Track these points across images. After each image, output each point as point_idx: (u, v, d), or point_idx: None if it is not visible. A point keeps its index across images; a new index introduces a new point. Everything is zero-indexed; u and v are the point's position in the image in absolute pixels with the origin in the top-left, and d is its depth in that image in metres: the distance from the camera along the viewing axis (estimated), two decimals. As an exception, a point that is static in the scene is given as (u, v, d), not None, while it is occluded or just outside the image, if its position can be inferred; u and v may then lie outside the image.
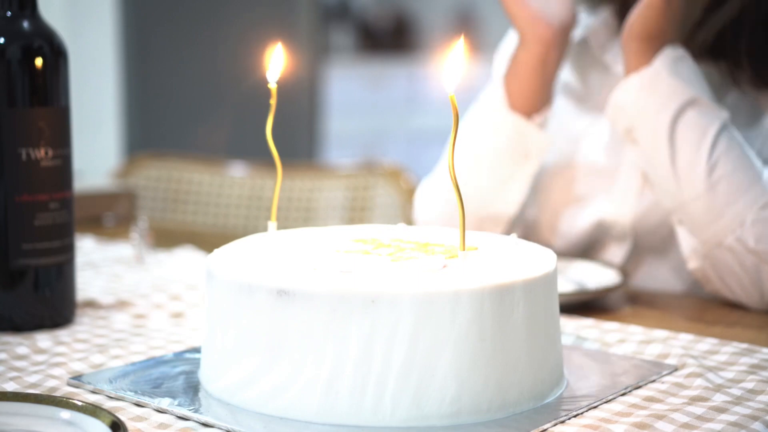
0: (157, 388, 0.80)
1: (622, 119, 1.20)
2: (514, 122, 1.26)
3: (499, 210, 1.29)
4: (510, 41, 1.40)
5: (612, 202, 1.27)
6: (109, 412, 0.68)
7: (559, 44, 1.25)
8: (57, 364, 0.85)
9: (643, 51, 1.19)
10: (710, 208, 1.14)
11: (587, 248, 1.31)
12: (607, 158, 1.30)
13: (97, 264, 1.28)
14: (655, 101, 1.17)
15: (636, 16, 1.18)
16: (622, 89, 1.20)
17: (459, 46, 0.75)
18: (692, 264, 1.17)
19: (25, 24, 0.96)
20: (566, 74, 1.35)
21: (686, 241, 1.18)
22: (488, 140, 1.28)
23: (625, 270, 1.18)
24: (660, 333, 0.96)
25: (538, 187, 1.34)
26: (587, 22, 1.34)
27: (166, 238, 1.46)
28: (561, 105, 1.34)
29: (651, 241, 1.27)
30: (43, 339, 0.94)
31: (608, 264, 1.22)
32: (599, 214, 1.28)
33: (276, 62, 0.88)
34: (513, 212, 1.30)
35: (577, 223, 1.31)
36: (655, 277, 1.28)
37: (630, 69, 1.19)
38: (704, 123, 1.15)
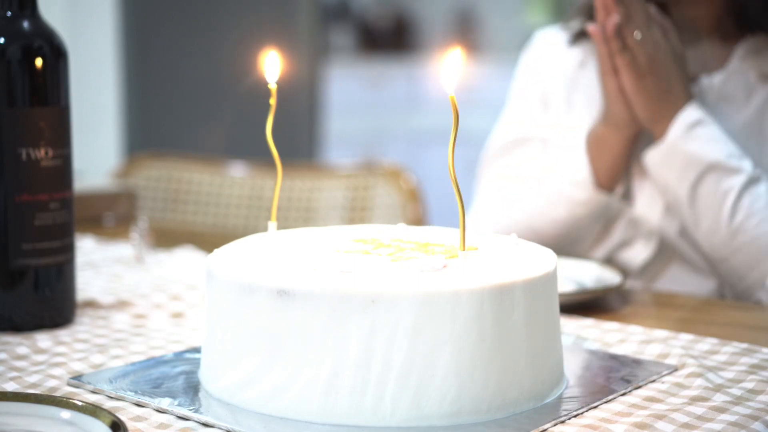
0: (157, 388, 0.80)
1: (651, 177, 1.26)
2: (600, 199, 1.29)
3: (568, 250, 1.34)
4: (532, 57, 1.42)
5: (643, 199, 1.28)
6: (109, 412, 0.68)
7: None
8: (57, 364, 0.85)
9: (658, 125, 1.22)
10: (734, 270, 1.21)
11: (617, 245, 1.32)
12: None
13: (97, 264, 1.28)
14: (673, 174, 1.21)
15: (634, 106, 1.22)
16: (646, 158, 1.23)
17: (456, 53, 0.75)
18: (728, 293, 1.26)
19: (25, 24, 0.96)
20: (592, 74, 1.35)
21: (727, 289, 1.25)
22: (575, 211, 1.31)
23: (624, 270, 1.19)
24: (660, 333, 0.96)
25: None
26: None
27: (166, 238, 1.46)
28: (587, 102, 1.35)
29: (678, 244, 1.28)
30: (43, 339, 0.94)
31: (608, 264, 1.22)
32: (628, 211, 1.31)
33: (271, 67, 0.88)
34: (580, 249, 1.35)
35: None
36: (682, 281, 1.29)
37: (655, 137, 1.23)
38: (723, 189, 1.19)
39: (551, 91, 1.39)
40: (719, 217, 1.19)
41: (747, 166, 1.20)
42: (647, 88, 1.19)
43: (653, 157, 1.22)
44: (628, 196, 1.30)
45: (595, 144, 1.28)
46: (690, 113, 1.19)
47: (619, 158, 1.27)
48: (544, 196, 1.33)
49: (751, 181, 1.19)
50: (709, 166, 1.18)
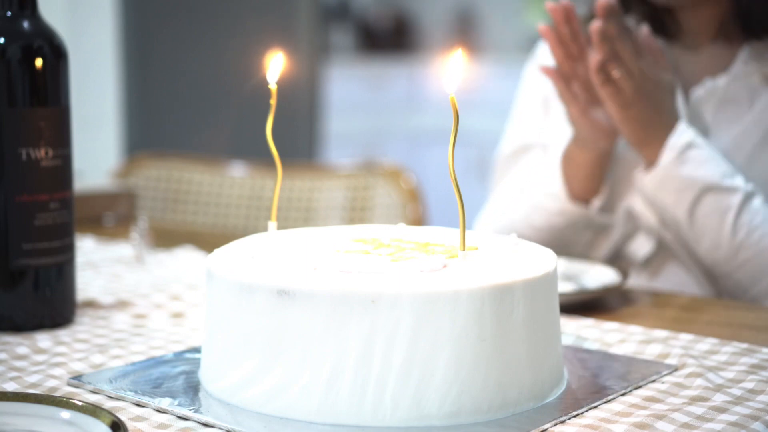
0: (157, 388, 0.80)
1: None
2: (575, 211, 1.30)
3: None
4: (536, 65, 1.42)
5: (640, 201, 1.29)
6: (109, 412, 0.68)
7: (616, 141, 1.27)
8: (57, 364, 0.85)
9: (647, 149, 1.21)
10: (737, 285, 1.21)
11: (619, 238, 1.33)
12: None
13: (97, 264, 1.28)
14: (669, 197, 1.21)
15: (621, 132, 1.22)
16: (641, 183, 1.23)
17: (458, 53, 0.75)
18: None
19: (25, 24, 0.96)
20: None
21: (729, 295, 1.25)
22: (552, 221, 1.32)
23: (624, 270, 1.19)
24: (660, 333, 0.96)
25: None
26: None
27: (166, 238, 1.46)
28: None
29: (676, 251, 1.28)
30: (43, 339, 0.94)
31: (608, 264, 1.22)
32: (629, 204, 1.30)
33: (275, 67, 0.88)
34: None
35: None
36: (681, 277, 1.29)
37: (645, 164, 1.23)
38: (722, 209, 1.19)
39: (552, 96, 1.40)
40: (720, 236, 1.19)
41: (740, 183, 1.20)
42: (633, 116, 1.19)
43: (648, 182, 1.22)
44: (608, 209, 1.31)
45: (566, 159, 1.30)
46: (679, 137, 1.19)
47: (590, 173, 1.29)
48: (526, 204, 1.35)
49: (747, 198, 1.19)
50: (705, 187, 1.19)
